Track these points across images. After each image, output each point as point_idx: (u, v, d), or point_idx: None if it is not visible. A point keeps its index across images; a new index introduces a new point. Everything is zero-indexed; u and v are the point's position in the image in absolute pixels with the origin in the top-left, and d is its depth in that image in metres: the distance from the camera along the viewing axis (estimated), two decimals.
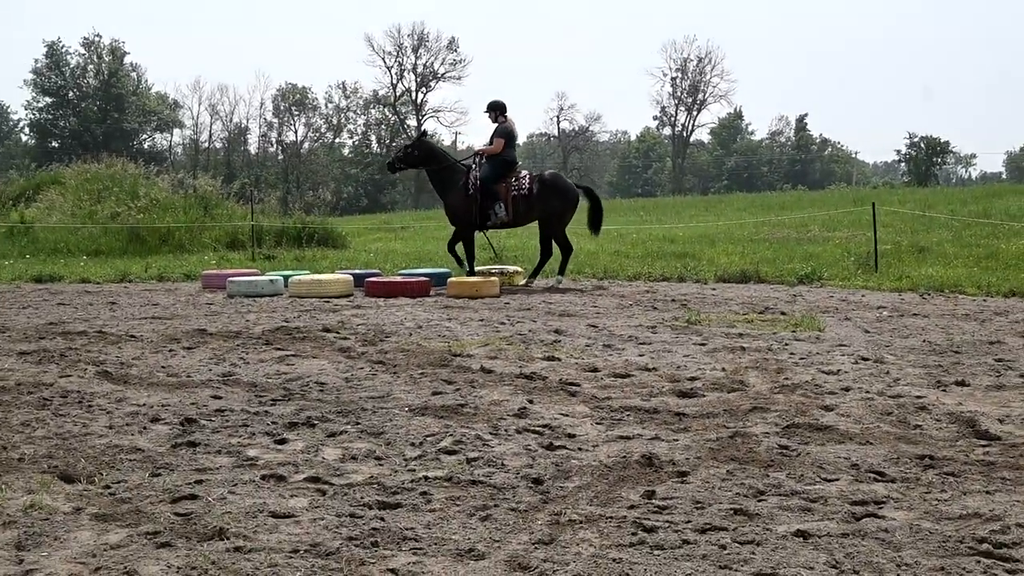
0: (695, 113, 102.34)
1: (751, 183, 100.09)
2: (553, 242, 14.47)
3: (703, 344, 8.07)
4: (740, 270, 15.26)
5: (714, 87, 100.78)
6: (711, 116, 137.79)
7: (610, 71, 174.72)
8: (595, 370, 6.78)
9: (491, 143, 14.42)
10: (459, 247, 14.62)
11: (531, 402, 5.69)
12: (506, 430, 5.02)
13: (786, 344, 8.01)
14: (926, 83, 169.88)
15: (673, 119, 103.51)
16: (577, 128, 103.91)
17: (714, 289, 13.67)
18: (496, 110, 14.60)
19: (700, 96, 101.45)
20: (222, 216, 26.87)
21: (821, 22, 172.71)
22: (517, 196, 14.08)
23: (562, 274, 14.59)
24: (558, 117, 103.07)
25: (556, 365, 7.03)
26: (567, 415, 5.38)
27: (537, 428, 5.05)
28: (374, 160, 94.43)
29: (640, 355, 7.51)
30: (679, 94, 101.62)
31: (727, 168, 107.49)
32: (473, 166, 14.39)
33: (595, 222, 14.86)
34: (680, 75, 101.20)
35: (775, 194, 59.81)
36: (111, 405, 5.71)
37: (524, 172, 14.34)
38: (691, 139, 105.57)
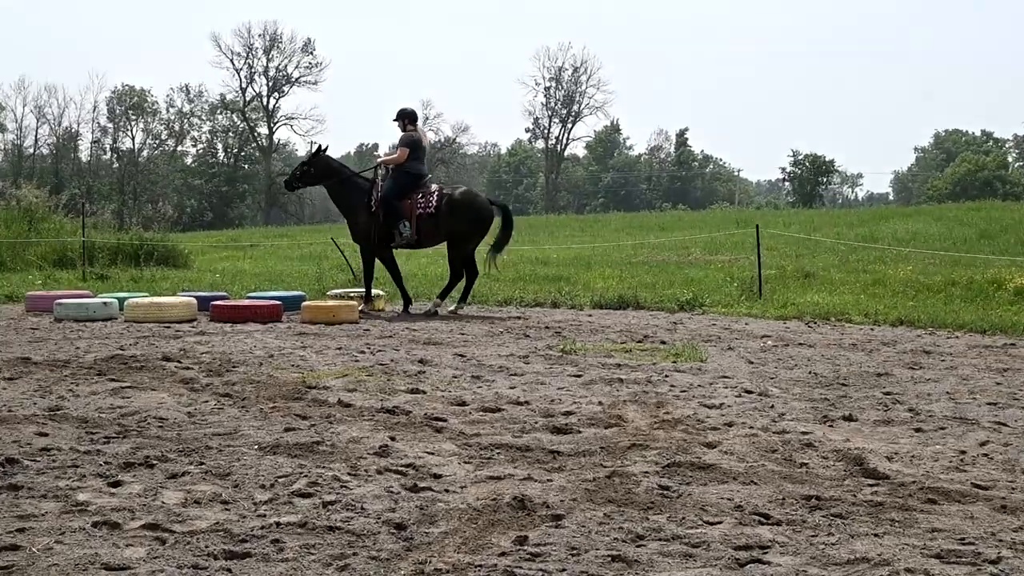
0: (570, 126, 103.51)
1: (629, 201, 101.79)
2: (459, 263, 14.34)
3: (579, 376, 8.14)
4: (618, 295, 15.46)
5: (590, 98, 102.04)
6: (587, 129, 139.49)
7: (480, 79, 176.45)
8: (463, 404, 6.79)
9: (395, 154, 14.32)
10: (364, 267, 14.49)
11: (393, 439, 5.67)
12: (366, 470, 4.99)
13: (666, 376, 8.14)
14: (927, 86, 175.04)
15: (546, 132, 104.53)
16: (443, 139, 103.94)
17: (590, 316, 13.83)
18: (405, 118, 14.47)
19: (575, 107, 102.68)
20: (49, 231, 26.17)
21: (703, 31, 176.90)
22: (423, 214, 13.94)
23: (463, 300, 14.34)
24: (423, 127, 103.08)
25: (421, 398, 7.02)
26: (433, 453, 5.37)
27: (400, 468, 5.02)
28: (220, 171, 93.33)
29: (511, 387, 7.54)
30: (553, 105, 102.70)
31: (604, 185, 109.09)
32: (378, 180, 14.28)
33: (500, 243, 14.71)
34: (554, 84, 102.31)
35: (654, 214, 60.85)
36: None
37: (434, 187, 14.24)
38: (565, 153, 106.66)
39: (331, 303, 13.20)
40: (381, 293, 14.83)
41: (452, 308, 14.10)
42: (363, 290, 14.59)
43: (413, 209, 13.96)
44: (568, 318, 13.39)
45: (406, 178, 14.11)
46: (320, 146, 14.97)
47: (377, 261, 14.42)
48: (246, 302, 13.52)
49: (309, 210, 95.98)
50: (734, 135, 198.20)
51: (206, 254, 29.31)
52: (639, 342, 10.57)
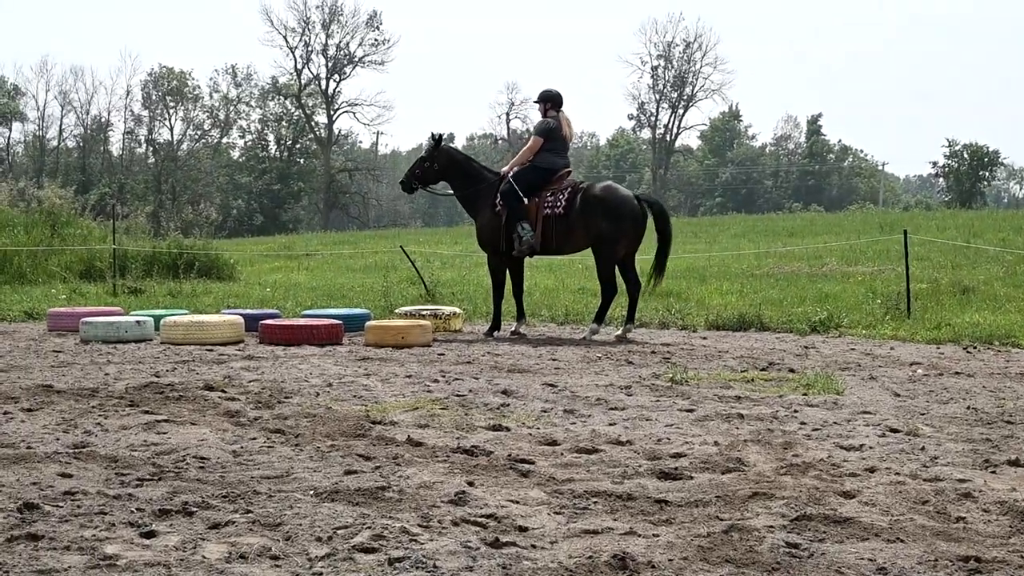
0: (681, 112, 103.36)
1: (751, 201, 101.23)
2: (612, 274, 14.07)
3: (691, 410, 8.11)
4: (738, 314, 15.39)
5: (705, 79, 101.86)
6: (701, 116, 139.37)
7: (574, 58, 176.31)
8: (554, 443, 6.79)
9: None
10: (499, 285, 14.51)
11: (472, 484, 5.68)
12: (439, 521, 5.01)
13: (795, 411, 8.07)
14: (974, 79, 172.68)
15: (654, 119, 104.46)
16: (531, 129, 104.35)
17: (705, 338, 13.77)
18: (548, 102, 14.38)
19: (687, 90, 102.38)
20: (75, 237, 26.70)
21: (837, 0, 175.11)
22: (550, 215, 13.83)
23: (630, 320, 14.07)
24: (507, 114, 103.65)
25: (504, 436, 7.03)
26: (517, 502, 5.38)
27: (479, 519, 5.04)
28: (271, 166, 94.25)
29: (611, 424, 7.53)
30: (661, 87, 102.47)
31: (721, 181, 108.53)
32: (510, 175, 14.14)
33: (659, 254, 14.33)
34: (662, 63, 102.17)
35: (782, 216, 60.46)
36: None
37: (568, 183, 14.07)
38: (676, 144, 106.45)
39: (400, 323, 13.28)
40: (458, 311, 14.89)
41: (619, 332, 13.88)
42: (437, 308, 14.67)
43: (539, 209, 13.86)
44: (678, 341, 13.35)
45: (533, 173, 14.06)
46: (439, 135, 14.98)
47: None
48: (301, 321, 13.64)
49: (375, 212, 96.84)
50: (877, 122, 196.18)
51: (255, 264, 29.70)
52: (763, 370, 10.51)
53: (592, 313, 15.23)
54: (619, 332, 13.83)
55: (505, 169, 14.46)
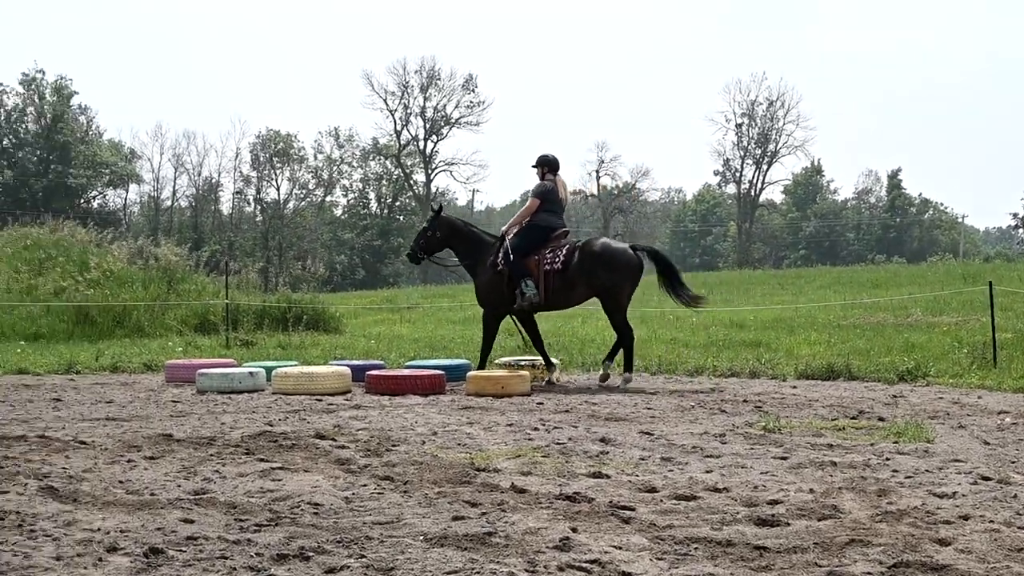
0: (765, 167, 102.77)
1: (834, 253, 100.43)
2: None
3: (784, 458, 8.03)
4: (826, 364, 15.23)
5: (788, 136, 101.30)
6: (784, 171, 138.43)
7: (661, 117, 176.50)
8: (653, 490, 6.75)
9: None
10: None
11: (575, 530, 5.66)
12: (546, 566, 4.99)
13: (887, 459, 7.96)
14: None
15: (738, 175, 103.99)
16: (621, 185, 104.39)
17: (794, 387, 13.64)
18: (545, 166, 14.72)
19: (771, 147, 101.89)
20: (190, 292, 27.10)
21: (914, 56, 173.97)
22: (550, 271, 14.05)
23: (629, 370, 14.14)
24: (597, 172, 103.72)
25: (604, 483, 7.00)
26: (620, 548, 5.34)
27: (584, 564, 5.01)
28: (372, 223, 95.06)
29: (707, 471, 7.47)
30: (745, 144, 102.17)
31: (805, 235, 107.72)
32: (509, 236, 14.46)
33: (674, 287, 14.46)
34: (746, 121, 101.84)
35: (865, 268, 59.97)
36: (58, 529, 5.70)
37: (566, 242, 14.33)
38: (760, 199, 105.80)
39: (500, 373, 13.29)
40: (556, 361, 14.88)
41: (602, 373, 14.33)
42: (535, 358, 14.68)
43: (540, 265, 14.11)
44: (769, 390, 13.23)
45: (534, 232, 14.36)
46: (439, 206, 15.39)
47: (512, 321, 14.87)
48: (405, 372, 13.69)
49: None
50: (955, 176, 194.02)
51: (359, 317, 29.91)
52: (853, 419, 10.38)
53: (687, 364, 15.18)
54: (602, 373, 14.27)
55: (504, 229, 14.77)
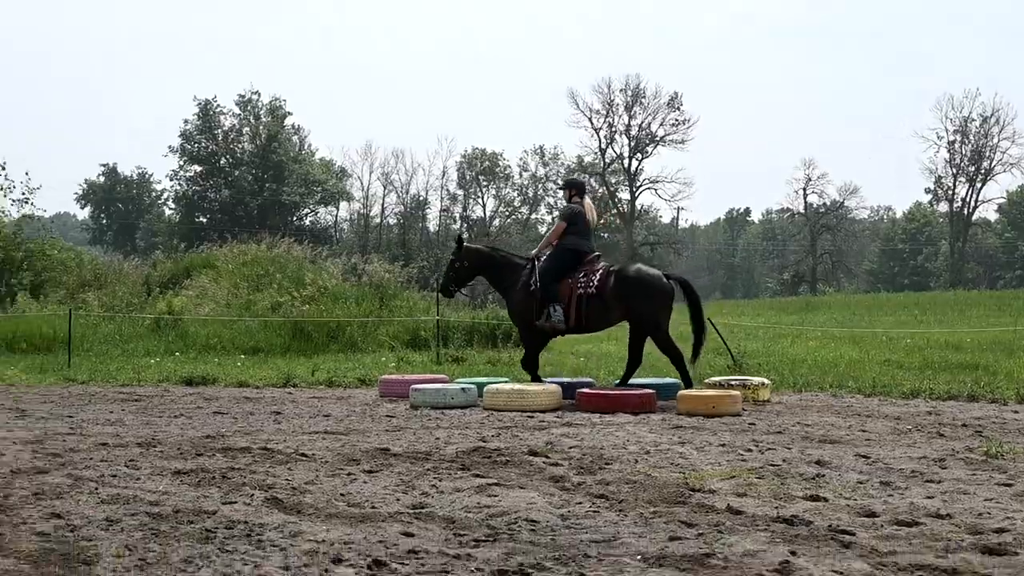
0: (979, 185, 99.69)
1: None
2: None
3: (1009, 484, 7.78)
4: None
5: (1003, 153, 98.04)
6: (999, 189, 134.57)
7: (870, 134, 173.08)
8: (872, 515, 6.61)
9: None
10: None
11: (794, 554, 5.58)
12: None
13: None
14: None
15: (951, 193, 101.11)
16: (828, 203, 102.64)
17: (1016, 412, 13.21)
18: (572, 188, 15.15)
19: (985, 164, 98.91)
20: (400, 308, 27.51)
21: None
22: (583, 295, 14.16)
23: (688, 386, 14.17)
24: (804, 190, 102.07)
25: (822, 507, 6.88)
26: (841, 572, 5.25)
27: None
28: None
29: (928, 497, 7.29)
30: (958, 161, 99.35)
31: (1021, 254, 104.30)
32: (539, 259, 14.66)
33: (695, 326, 14.61)
34: (959, 138, 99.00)
35: None
36: (284, 540, 5.85)
37: (600, 265, 14.42)
38: (973, 218, 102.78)
39: (710, 392, 13.19)
40: (766, 381, 14.70)
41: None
42: (746, 378, 14.53)
43: (573, 289, 14.18)
44: (989, 414, 12.84)
45: (564, 255, 14.46)
46: (461, 236, 15.65)
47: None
48: (616, 390, 13.69)
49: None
50: None
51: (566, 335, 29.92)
52: None
53: (902, 386, 14.88)
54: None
55: (534, 252, 14.98)
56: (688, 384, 14.22)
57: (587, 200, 15.10)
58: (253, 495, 7.18)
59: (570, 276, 14.31)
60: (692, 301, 14.58)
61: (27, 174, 45.23)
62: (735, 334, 23.19)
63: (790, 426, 11.45)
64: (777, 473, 8.24)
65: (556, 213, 17.17)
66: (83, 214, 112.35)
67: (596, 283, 14.13)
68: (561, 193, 14.94)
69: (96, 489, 7.45)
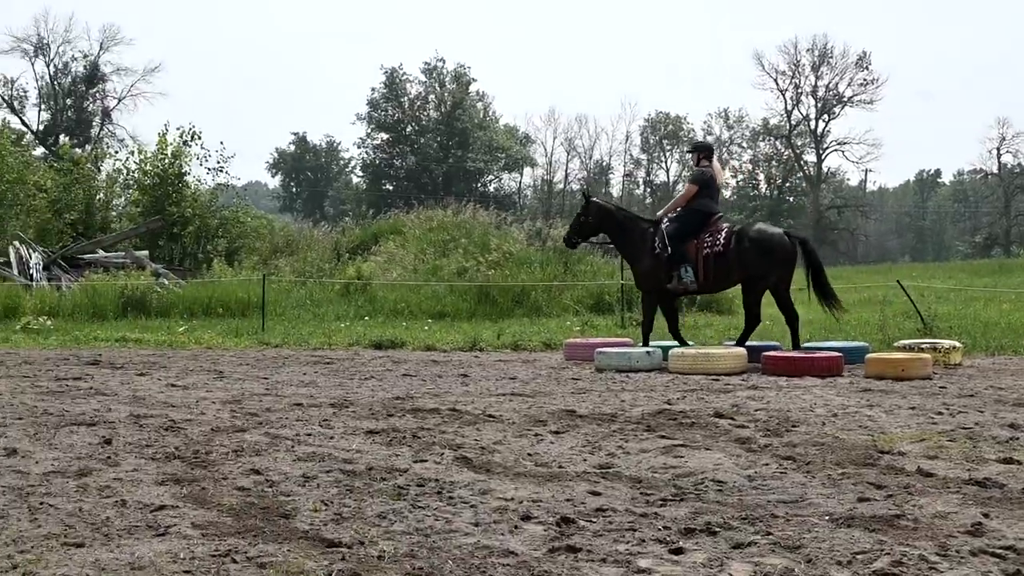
0: None
1: None
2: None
3: None
4: None
5: None
6: None
7: None
8: None
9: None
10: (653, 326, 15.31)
11: (987, 516, 5.49)
12: (957, 551, 4.87)
13: None
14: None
15: None
16: None
17: None
18: (700, 151, 15.19)
19: None
20: (585, 273, 27.59)
21: None
22: (710, 255, 14.22)
23: (740, 346, 14.30)
24: (998, 149, 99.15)
25: (1016, 470, 6.74)
26: None
27: (998, 551, 4.86)
28: (762, 204, 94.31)
29: None
30: None
31: None
32: (665, 221, 14.68)
33: (818, 286, 14.67)
34: None
35: None
36: (474, 497, 5.98)
37: (724, 225, 14.46)
38: None
39: (900, 356, 12.97)
40: (957, 344, 14.40)
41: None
42: (936, 341, 14.25)
43: (699, 250, 14.23)
44: None
45: (693, 216, 14.50)
46: (587, 190, 15.71)
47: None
48: (802, 354, 13.56)
49: (862, 248, 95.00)
50: None
51: None
52: None
53: None
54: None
55: (660, 213, 15.09)
56: (796, 346, 14.46)
57: (715, 163, 15.27)
58: (443, 454, 7.33)
59: (696, 237, 14.42)
60: (811, 261, 14.66)
61: (222, 143, 46.47)
62: (925, 297, 22.76)
63: (982, 389, 11.21)
64: (969, 436, 8.09)
65: (686, 176, 17.23)
66: (274, 183, 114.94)
67: (722, 242, 14.25)
68: (689, 156, 15.00)
69: (292, 447, 7.70)
